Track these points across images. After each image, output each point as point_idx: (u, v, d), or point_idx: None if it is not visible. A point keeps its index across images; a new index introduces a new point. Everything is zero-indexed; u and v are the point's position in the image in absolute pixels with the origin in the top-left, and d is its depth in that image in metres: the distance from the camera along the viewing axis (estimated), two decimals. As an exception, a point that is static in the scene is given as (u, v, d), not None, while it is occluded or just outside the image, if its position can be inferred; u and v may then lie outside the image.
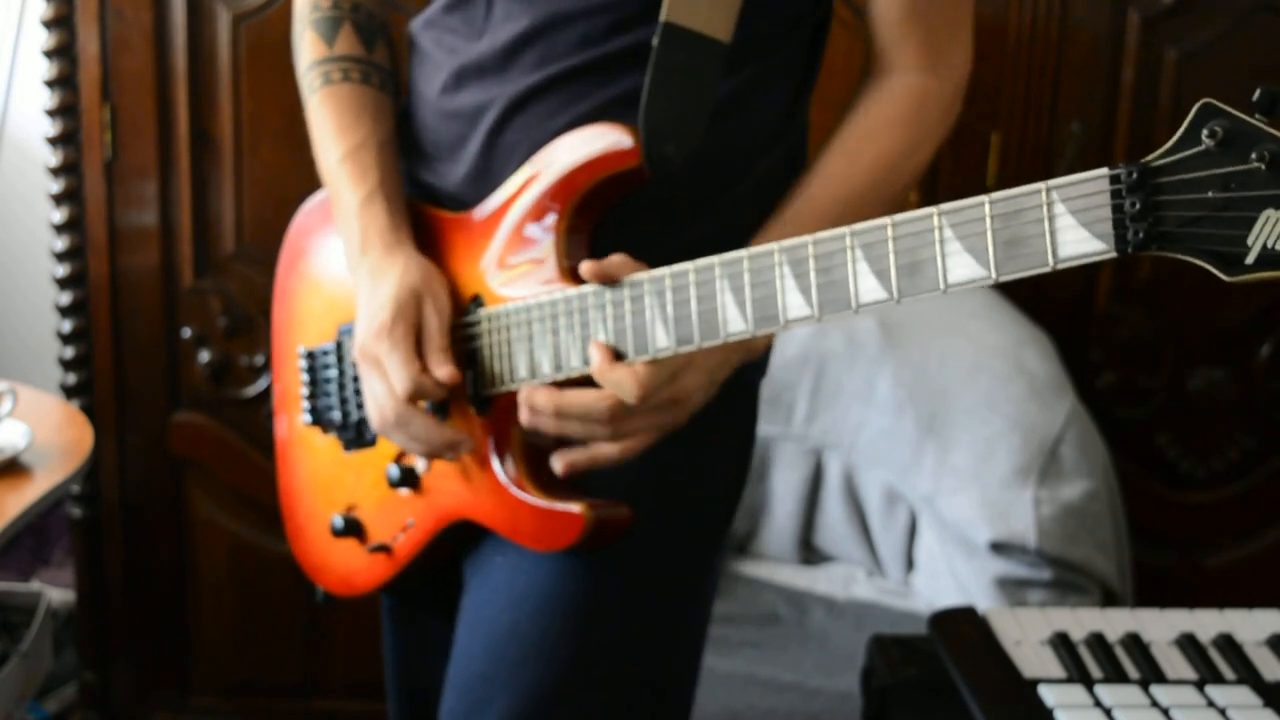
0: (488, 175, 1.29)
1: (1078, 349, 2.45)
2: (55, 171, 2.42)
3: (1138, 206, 0.94)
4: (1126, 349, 2.49)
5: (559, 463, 1.21)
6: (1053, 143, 2.42)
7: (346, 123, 1.34)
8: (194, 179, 2.43)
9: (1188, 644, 1.45)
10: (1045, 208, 0.97)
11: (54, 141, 2.41)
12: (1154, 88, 2.40)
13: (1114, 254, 0.96)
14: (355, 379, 1.37)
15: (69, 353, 2.48)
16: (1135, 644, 1.44)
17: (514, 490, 1.25)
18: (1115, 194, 0.95)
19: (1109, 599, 2.17)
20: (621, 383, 1.16)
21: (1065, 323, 2.44)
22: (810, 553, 2.41)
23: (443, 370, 1.24)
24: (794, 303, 1.09)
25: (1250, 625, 1.49)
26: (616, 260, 1.17)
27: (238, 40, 2.38)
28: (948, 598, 2.17)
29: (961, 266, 1.01)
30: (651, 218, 1.25)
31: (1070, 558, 2.12)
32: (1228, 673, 1.40)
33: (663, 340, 1.15)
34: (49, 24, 2.37)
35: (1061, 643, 1.44)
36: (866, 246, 1.05)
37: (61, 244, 2.45)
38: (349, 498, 1.40)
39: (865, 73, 1.29)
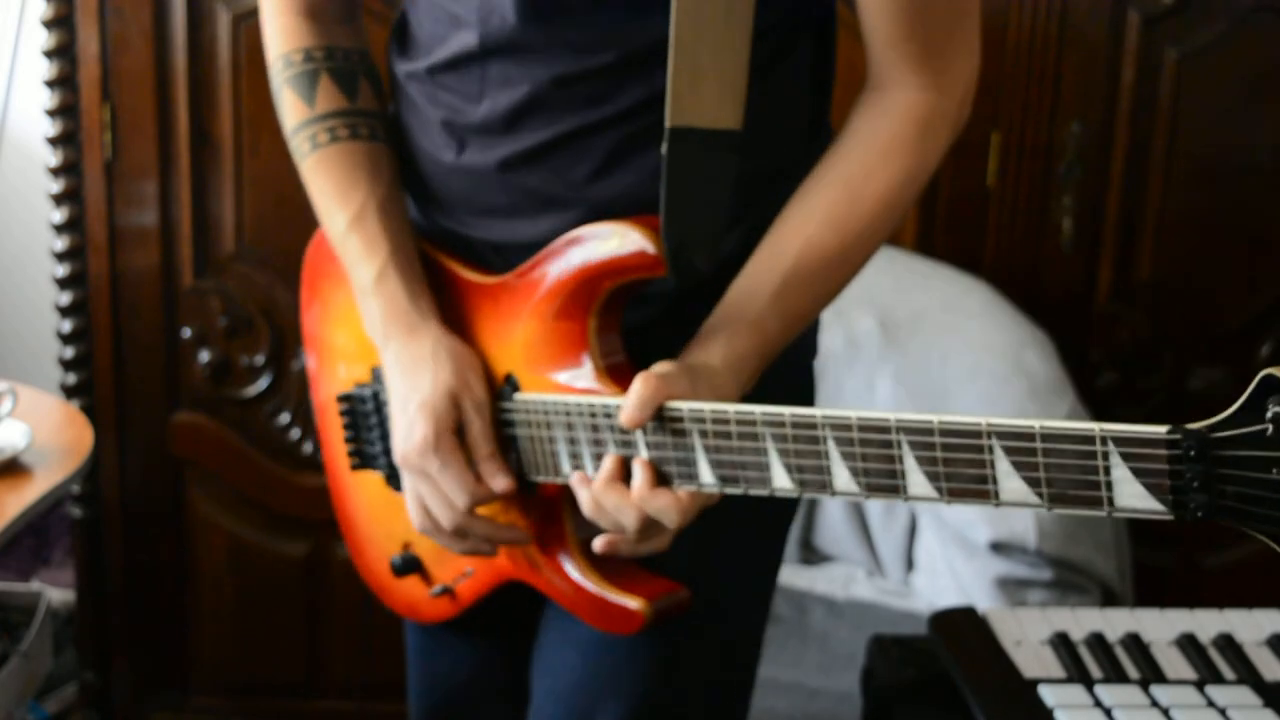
0: (518, 222, 1.24)
1: (1078, 349, 2.45)
2: (55, 171, 2.42)
3: (1196, 483, 0.89)
4: (1126, 349, 2.49)
5: (599, 543, 1.17)
6: (1053, 143, 2.42)
7: (343, 189, 1.28)
8: (194, 179, 2.43)
9: (1188, 644, 1.45)
10: (1100, 457, 0.92)
11: (54, 141, 2.41)
12: (1154, 88, 2.40)
13: (1173, 517, 0.91)
14: None
15: (69, 353, 2.48)
16: (1135, 644, 1.44)
17: (574, 575, 1.23)
18: (1173, 459, 0.89)
19: (1109, 599, 2.17)
20: (665, 511, 1.11)
21: (1065, 323, 2.44)
22: (810, 553, 2.41)
23: (499, 482, 1.21)
24: (841, 478, 1.03)
25: (1250, 625, 1.49)
26: (647, 395, 1.09)
27: (238, 40, 2.38)
28: (948, 598, 2.17)
29: (1014, 490, 0.96)
30: None
31: (1070, 558, 2.12)
32: (1228, 673, 1.40)
33: (708, 478, 1.10)
34: (49, 24, 2.37)
35: (1061, 643, 1.44)
36: (915, 445, 0.99)
37: (61, 244, 2.45)
38: (405, 535, 1.37)
39: (865, 87, 1.20)
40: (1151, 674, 1.39)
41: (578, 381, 1.18)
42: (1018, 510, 2.12)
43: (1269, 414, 0.86)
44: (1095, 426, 0.92)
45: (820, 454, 1.03)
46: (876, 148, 1.17)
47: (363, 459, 1.38)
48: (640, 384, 1.10)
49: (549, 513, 1.24)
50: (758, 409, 1.06)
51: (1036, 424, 0.94)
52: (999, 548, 2.13)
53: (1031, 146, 2.42)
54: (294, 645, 2.62)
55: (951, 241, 2.46)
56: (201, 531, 2.57)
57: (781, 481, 1.06)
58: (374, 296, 1.26)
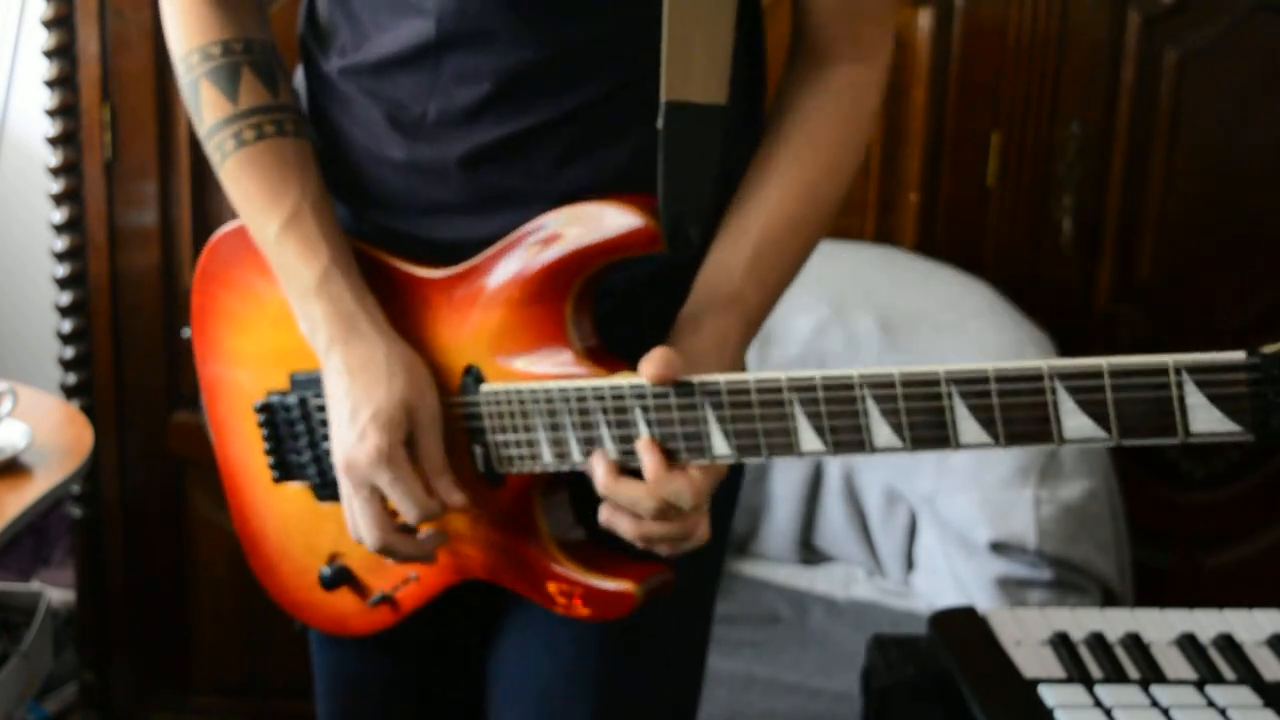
0: (470, 219, 1.21)
1: (1078, 349, 2.45)
2: (55, 171, 2.42)
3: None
4: (1126, 349, 2.48)
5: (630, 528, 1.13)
6: (1053, 143, 2.42)
7: (275, 189, 1.22)
8: (194, 179, 2.43)
9: (1188, 644, 1.45)
10: (1174, 387, 0.94)
11: (54, 141, 2.41)
12: (1154, 88, 2.40)
13: (1253, 438, 0.94)
14: (325, 436, 1.27)
15: (69, 353, 2.48)
16: (1135, 644, 1.44)
17: (555, 567, 1.19)
18: (1254, 383, 0.92)
19: (1109, 599, 2.17)
20: (681, 493, 1.09)
21: (1065, 323, 2.44)
22: (810, 553, 2.41)
23: (455, 497, 1.18)
24: (882, 434, 1.03)
25: (1250, 625, 1.49)
26: (674, 361, 1.08)
27: (238, 40, 2.38)
28: (948, 598, 2.17)
29: (1080, 428, 0.98)
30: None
31: (1070, 558, 2.12)
32: (1228, 673, 1.40)
33: (722, 449, 1.08)
34: (49, 24, 2.37)
35: (1061, 643, 1.44)
36: (966, 395, 1.01)
37: (61, 244, 2.45)
38: (332, 546, 1.33)
39: (799, 61, 1.24)
40: (1151, 674, 1.39)
41: (556, 367, 1.14)
42: (1018, 510, 2.12)
43: None
44: (1169, 359, 0.94)
45: (855, 415, 1.03)
46: (824, 120, 1.22)
47: (286, 470, 1.32)
48: (656, 351, 1.08)
49: (518, 503, 1.20)
50: (782, 376, 1.05)
51: (1104, 362, 0.96)
52: (999, 548, 2.13)
53: (1032, 146, 2.42)
54: (294, 645, 2.61)
55: (951, 241, 2.46)
56: (201, 531, 2.57)
57: (811, 445, 1.05)
58: (316, 299, 1.20)
